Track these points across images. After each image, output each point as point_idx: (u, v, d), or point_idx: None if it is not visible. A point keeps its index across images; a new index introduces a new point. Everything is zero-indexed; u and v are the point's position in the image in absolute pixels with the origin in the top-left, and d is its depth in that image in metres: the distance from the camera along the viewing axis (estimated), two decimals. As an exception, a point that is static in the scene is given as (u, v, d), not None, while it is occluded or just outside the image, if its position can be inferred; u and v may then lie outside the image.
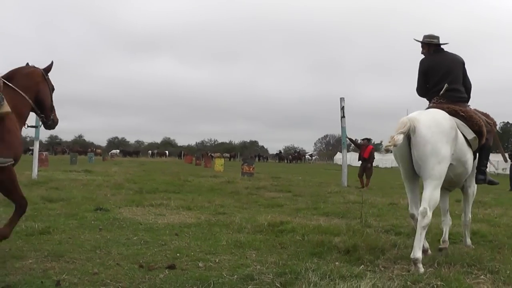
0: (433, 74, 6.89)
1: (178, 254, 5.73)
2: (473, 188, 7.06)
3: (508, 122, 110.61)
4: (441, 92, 6.65)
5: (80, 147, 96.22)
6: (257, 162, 67.00)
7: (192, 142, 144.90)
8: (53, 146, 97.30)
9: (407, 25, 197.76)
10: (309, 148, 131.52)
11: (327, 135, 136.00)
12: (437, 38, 7.06)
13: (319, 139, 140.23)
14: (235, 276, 4.80)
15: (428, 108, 6.79)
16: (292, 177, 25.94)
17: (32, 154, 19.98)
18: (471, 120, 6.32)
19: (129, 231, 7.24)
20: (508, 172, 23.40)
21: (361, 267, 5.28)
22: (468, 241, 6.97)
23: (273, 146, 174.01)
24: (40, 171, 18.34)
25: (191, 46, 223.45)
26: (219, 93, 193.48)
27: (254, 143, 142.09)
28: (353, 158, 70.10)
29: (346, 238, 6.68)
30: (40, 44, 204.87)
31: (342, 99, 19.75)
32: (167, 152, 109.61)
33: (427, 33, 7.15)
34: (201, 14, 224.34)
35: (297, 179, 24.01)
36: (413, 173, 6.07)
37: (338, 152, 79.27)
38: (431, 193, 5.74)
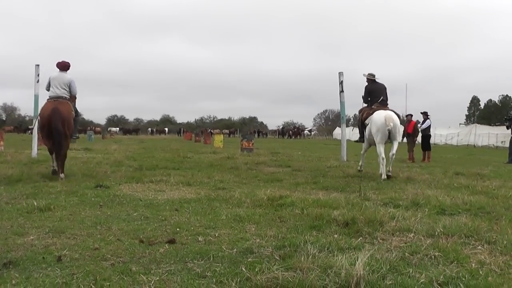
0: (373, 93, 13.51)
1: (178, 229, 5.76)
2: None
3: (507, 95, 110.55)
4: (379, 101, 13.23)
5: (80, 125, 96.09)
6: (257, 138, 67.02)
7: (192, 119, 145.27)
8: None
9: (408, 3, 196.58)
10: (308, 124, 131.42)
11: (326, 110, 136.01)
12: (374, 75, 13.77)
13: (318, 114, 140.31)
14: (235, 250, 4.83)
15: (378, 108, 12.95)
16: (291, 152, 26.00)
17: (31, 133, 19.97)
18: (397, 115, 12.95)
19: (129, 207, 7.28)
20: (507, 145, 23.50)
21: (359, 239, 5.32)
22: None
23: (273, 122, 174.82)
24: (40, 149, 18.33)
25: (195, 26, 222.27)
26: (220, 72, 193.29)
27: (253, 119, 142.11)
28: (352, 133, 70.23)
29: (345, 211, 6.70)
30: (50, 26, 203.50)
31: (341, 74, 19.62)
32: (166, 129, 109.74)
33: (370, 72, 13.88)
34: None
35: (296, 154, 24.06)
36: (386, 140, 12.44)
37: (337, 127, 78.97)
38: (396, 146, 12.59)
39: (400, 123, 12.81)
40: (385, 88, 13.53)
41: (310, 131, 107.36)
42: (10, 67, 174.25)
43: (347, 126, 28.10)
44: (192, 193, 9.06)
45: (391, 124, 12.04)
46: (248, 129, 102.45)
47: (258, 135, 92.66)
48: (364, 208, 7.12)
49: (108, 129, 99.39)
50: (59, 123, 10.78)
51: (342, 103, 19.77)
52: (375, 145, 12.55)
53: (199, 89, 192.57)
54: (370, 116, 12.82)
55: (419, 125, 23.10)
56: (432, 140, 23.20)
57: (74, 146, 24.69)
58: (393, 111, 12.83)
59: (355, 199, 8.20)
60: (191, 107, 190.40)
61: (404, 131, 20.74)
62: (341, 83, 19.48)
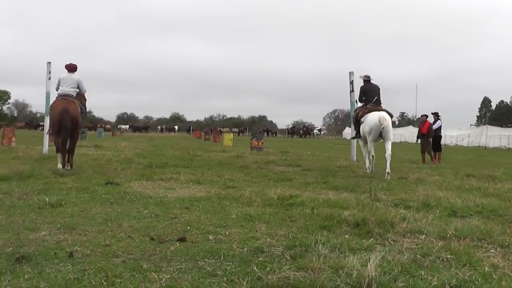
0: (368, 93, 14.31)
1: (188, 227, 5.77)
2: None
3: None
4: (373, 101, 14.02)
5: (90, 122, 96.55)
6: (266, 137, 66.93)
7: (201, 117, 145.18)
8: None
9: (418, 4, 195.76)
10: (318, 123, 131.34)
11: (336, 110, 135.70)
12: (369, 76, 14.55)
13: (328, 113, 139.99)
14: (245, 249, 4.83)
15: (370, 109, 13.82)
16: (301, 152, 25.96)
17: (42, 129, 20.07)
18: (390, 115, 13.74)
19: (140, 205, 7.30)
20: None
21: (370, 240, 5.30)
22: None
23: (282, 121, 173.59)
24: (51, 146, 18.39)
25: (206, 25, 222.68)
26: (230, 70, 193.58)
27: (263, 118, 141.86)
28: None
29: (355, 212, 6.67)
30: (62, 25, 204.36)
31: (351, 73, 19.55)
32: (176, 127, 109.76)
33: (365, 74, 14.70)
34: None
35: (306, 154, 24.02)
36: (377, 138, 13.40)
37: (347, 127, 78.72)
38: (390, 146, 13.16)
39: (392, 123, 13.90)
40: (379, 89, 14.45)
41: (319, 130, 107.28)
42: (21, 64, 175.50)
43: None
44: (202, 191, 9.06)
45: (385, 123, 12.89)
46: (257, 128, 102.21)
47: (268, 134, 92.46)
48: (374, 208, 7.09)
49: (118, 126, 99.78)
50: (68, 122, 11.98)
51: (352, 103, 19.62)
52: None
53: (209, 87, 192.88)
54: (365, 115, 13.76)
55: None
56: (442, 141, 23.01)
57: (84, 143, 24.78)
58: (386, 111, 13.72)
59: (366, 200, 8.17)
60: (201, 105, 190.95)
61: (418, 131, 20.96)
62: (351, 82, 19.42)
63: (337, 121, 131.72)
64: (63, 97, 12.48)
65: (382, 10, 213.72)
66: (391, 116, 13.93)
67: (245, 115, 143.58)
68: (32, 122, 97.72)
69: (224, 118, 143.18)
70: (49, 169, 11.48)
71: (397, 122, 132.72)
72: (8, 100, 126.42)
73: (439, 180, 11.79)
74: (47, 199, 7.06)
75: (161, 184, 9.86)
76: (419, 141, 21.78)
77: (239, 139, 50.56)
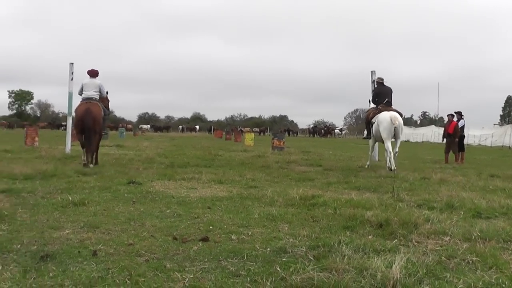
0: (380, 95, 15.05)
1: (211, 227, 5.77)
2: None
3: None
4: (384, 102, 14.78)
5: (111, 122, 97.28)
6: (287, 136, 66.83)
7: (222, 117, 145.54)
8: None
9: (440, 2, 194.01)
10: (339, 123, 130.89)
11: (357, 109, 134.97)
12: (383, 79, 15.37)
13: (349, 113, 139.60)
14: (268, 249, 4.82)
15: (381, 109, 14.57)
16: (322, 152, 25.87)
17: (65, 129, 20.25)
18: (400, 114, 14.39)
19: (162, 204, 7.32)
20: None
21: (394, 241, 5.25)
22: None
23: (303, 120, 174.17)
24: (73, 145, 18.59)
25: (227, 25, 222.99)
26: (251, 70, 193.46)
27: (283, 118, 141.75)
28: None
29: (378, 212, 6.62)
30: (84, 26, 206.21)
31: (373, 73, 19.46)
32: (197, 127, 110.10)
33: (379, 76, 15.74)
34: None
35: (327, 154, 23.94)
36: (392, 136, 13.94)
37: (369, 127, 78.16)
38: (399, 144, 14.14)
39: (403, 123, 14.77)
40: (391, 91, 15.27)
41: (341, 130, 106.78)
42: (44, 65, 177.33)
43: None
44: (224, 191, 9.06)
45: (397, 122, 13.82)
46: (278, 127, 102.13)
47: (289, 134, 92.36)
48: (398, 209, 7.03)
49: (140, 126, 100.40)
50: (90, 121, 12.82)
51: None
52: (382, 142, 14.71)
53: (230, 87, 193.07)
54: (377, 116, 14.59)
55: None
56: (465, 141, 22.74)
57: (106, 143, 24.97)
58: (396, 111, 14.48)
59: (389, 200, 8.11)
60: (222, 105, 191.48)
61: (444, 131, 20.88)
62: (373, 82, 19.20)
63: (358, 120, 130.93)
64: (86, 100, 13.39)
65: (404, 9, 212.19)
66: (401, 115, 14.59)
67: (266, 114, 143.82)
68: (55, 122, 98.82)
69: (245, 117, 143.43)
70: (71, 168, 11.62)
71: (418, 122, 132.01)
72: (31, 101, 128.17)
73: (462, 181, 11.66)
74: (70, 198, 7.13)
75: (183, 184, 9.88)
76: (445, 140, 21.55)
77: (260, 139, 50.59)
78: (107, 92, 14.32)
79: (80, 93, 13.76)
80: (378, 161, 18.00)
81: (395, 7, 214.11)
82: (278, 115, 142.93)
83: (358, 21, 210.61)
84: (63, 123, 75.12)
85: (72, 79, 18.23)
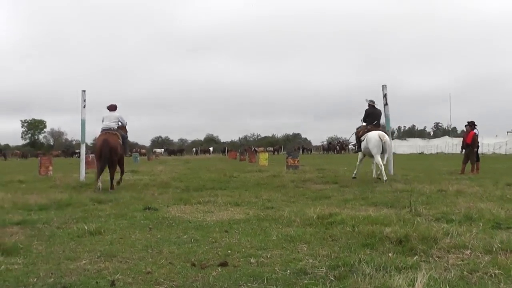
0: (371, 115, 17.19)
1: (229, 251, 5.72)
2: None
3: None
4: (374, 123, 16.95)
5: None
6: (301, 154, 66.76)
7: (235, 137, 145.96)
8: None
9: (450, 11, 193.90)
10: (352, 138, 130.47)
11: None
12: (374, 101, 17.50)
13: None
14: (288, 271, 4.76)
15: (370, 129, 16.65)
16: (337, 168, 25.77)
17: (79, 156, 20.35)
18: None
19: (179, 230, 7.28)
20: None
21: (415, 257, 5.18)
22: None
23: (316, 137, 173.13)
24: (88, 173, 18.67)
25: (237, 45, 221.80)
26: (262, 88, 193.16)
27: (297, 136, 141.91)
28: (397, 146, 69.18)
29: (397, 228, 6.54)
30: (96, 50, 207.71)
31: (384, 87, 19.30)
32: (211, 148, 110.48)
33: (371, 99, 17.60)
34: (251, 14, 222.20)
35: (342, 170, 23.82)
36: (381, 151, 15.72)
37: (383, 141, 77.72)
38: (386, 157, 16.18)
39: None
40: (381, 114, 17.97)
41: (354, 145, 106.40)
42: (56, 92, 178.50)
43: (392, 139, 27.20)
44: (240, 213, 9.03)
45: (385, 139, 15.99)
46: (292, 146, 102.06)
47: (303, 152, 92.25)
48: (416, 224, 6.94)
49: (153, 150, 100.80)
50: (107, 151, 13.90)
51: (387, 116, 19.44)
52: (370, 157, 16.92)
53: (242, 106, 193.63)
54: (366, 134, 16.67)
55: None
56: (479, 150, 22.57)
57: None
58: (383, 131, 16.94)
59: (406, 215, 8.03)
60: (235, 125, 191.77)
61: (463, 142, 20.90)
62: (384, 96, 19.18)
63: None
64: (105, 130, 14.76)
65: (414, 18, 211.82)
66: (387, 135, 17.04)
67: (279, 133, 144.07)
68: (68, 149, 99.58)
69: (258, 137, 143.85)
70: (86, 196, 11.63)
71: (431, 133, 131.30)
72: (44, 129, 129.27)
73: (479, 191, 11.56)
74: (86, 227, 7.11)
75: (199, 208, 9.85)
76: (463, 151, 21.41)
77: (274, 158, 50.58)
78: (126, 123, 15.89)
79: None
80: (393, 175, 17.86)
81: (405, 17, 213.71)
82: (291, 133, 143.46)
83: (369, 33, 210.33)
84: (77, 151, 75.68)
85: (84, 106, 18.38)
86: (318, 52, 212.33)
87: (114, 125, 15.03)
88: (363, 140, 16.78)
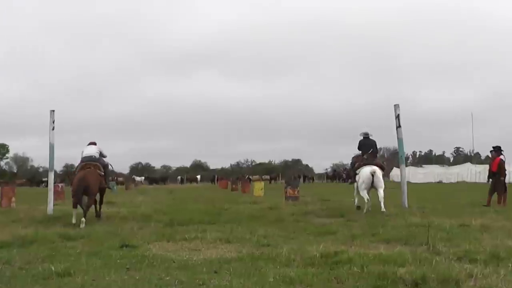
0: (364, 146, 18.85)
1: (218, 295, 5.69)
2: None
3: None
4: (369, 152, 18.59)
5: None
6: (302, 183, 66.81)
7: (227, 164, 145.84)
8: (69, 176, 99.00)
9: (476, 19, 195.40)
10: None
11: (380, 149, 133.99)
12: (367, 133, 19.11)
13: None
14: (287, 319, 4.73)
15: (365, 162, 18.21)
16: (343, 199, 25.77)
17: (46, 186, 20.30)
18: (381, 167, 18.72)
19: (161, 270, 7.26)
20: None
21: (434, 303, 5.16)
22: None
23: (319, 164, 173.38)
24: (56, 205, 18.61)
25: (229, 59, 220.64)
26: (258, 109, 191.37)
27: (297, 162, 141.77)
28: (411, 174, 69.15)
29: (413, 269, 6.58)
30: (68, 68, 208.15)
31: (396, 106, 19.05)
32: (198, 176, 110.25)
33: (364, 131, 19.28)
34: (243, 25, 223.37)
35: (349, 201, 23.82)
36: (370, 186, 17.52)
37: (394, 168, 77.38)
38: (382, 192, 17.30)
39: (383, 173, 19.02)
40: (375, 144, 19.33)
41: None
42: (21, 114, 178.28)
43: (406, 165, 26.82)
44: (232, 251, 9.04)
45: (375, 173, 17.45)
46: (291, 173, 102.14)
47: (304, 180, 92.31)
48: (435, 264, 7.00)
49: (133, 177, 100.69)
50: (82, 189, 14.74)
51: (399, 140, 19.33)
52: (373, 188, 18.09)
53: (234, 129, 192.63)
54: (360, 168, 18.30)
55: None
56: (507, 179, 22.37)
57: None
58: (378, 164, 18.65)
59: (423, 253, 8.07)
60: (226, 151, 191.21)
61: (489, 170, 21.05)
62: (397, 117, 19.02)
63: (382, 160, 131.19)
64: (86, 162, 16.00)
65: (427, 34, 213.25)
66: (383, 168, 19.24)
67: (277, 159, 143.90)
68: (34, 178, 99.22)
69: (253, 163, 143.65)
70: (55, 231, 11.59)
71: (451, 159, 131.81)
72: (7, 155, 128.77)
73: (507, 226, 11.62)
74: (53, 268, 7.10)
75: (185, 245, 9.85)
76: (490, 181, 21.14)
77: (271, 188, 50.51)
78: (106, 156, 17.36)
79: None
80: (407, 208, 17.87)
81: (417, 33, 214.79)
82: (290, 159, 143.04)
83: (379, 49, 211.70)
84: (44, 179, 75.53)
85: (53, 128, 18.34)
86: (322, 68, 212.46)
87: (95, 153, 16.42)
88: (358, 174, 18.43)
